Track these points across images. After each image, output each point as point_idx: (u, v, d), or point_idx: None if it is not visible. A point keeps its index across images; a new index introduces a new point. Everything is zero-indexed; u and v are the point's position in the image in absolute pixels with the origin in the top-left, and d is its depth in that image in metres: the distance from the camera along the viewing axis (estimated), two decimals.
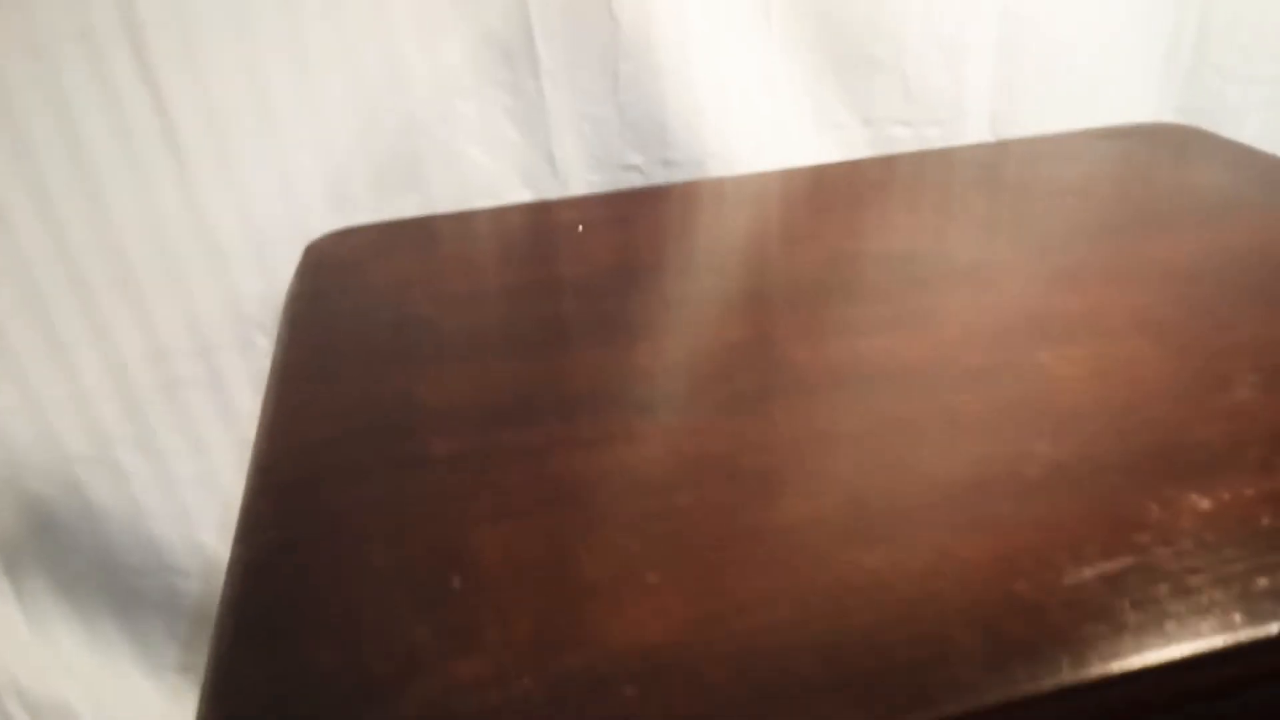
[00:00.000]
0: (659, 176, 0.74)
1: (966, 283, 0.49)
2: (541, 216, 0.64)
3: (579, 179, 0.73)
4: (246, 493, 0.39)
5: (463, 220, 0.64)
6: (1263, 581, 0.29)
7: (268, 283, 0.67)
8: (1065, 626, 0.28)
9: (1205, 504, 0.32)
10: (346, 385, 0.44)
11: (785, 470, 0.36)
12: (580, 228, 0.59)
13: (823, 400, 0.40)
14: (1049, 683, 0.27)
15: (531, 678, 0.28)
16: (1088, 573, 0.30)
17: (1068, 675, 0.27)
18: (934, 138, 0.80)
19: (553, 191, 0.73)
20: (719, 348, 0.45)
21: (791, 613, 0.29)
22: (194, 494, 0.72)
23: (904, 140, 0.80)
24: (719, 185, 0.67)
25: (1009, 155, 0.68)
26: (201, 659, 0.78)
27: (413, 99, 0.67)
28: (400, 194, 0.70)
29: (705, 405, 0.40)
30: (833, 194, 0.63)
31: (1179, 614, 0.28)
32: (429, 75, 0.67)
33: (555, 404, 0.41)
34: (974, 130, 0.81)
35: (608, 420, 0.40)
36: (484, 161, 0.71)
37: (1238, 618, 0.28)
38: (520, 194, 0.73)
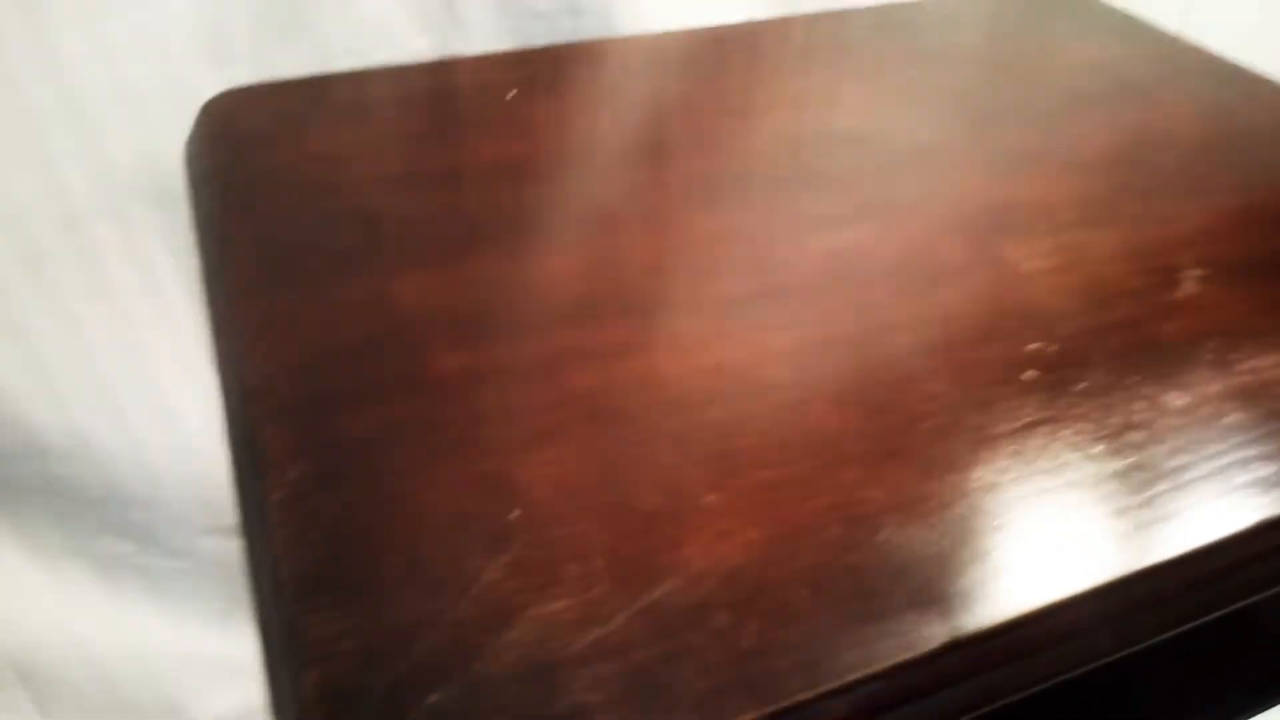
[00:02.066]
0: (565, 26, 0.70)
1: (916, 168, 0.50)
2: (456, 78, 0.60)
3: (481, 26, 0.68)
4: (235, 422, 0.36)
5: (368, 81, 0.58)
6: (1242, 474, 0.34)
7: (143, 147, 0.60)
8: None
9: (1180, 402, 0.36)
10: (314, 293, 0.41)
11: (804, 380, 0.37)
12: (512, 93, 0.56)
13: (818, 303, 0.41)
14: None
15: (626, 613, 0.29)
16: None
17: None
18: None
19: (454, 40, 0.68)
20: (698, 243, 0.44)
21: (845, 531, 0.31)
22: (65, 375, 0.66)
23: None
24: (637, 45, 0.65)
25: (900, 19, 0.69)
26: (87, 544, 0.74)
27: None
28: (286, 43, 0.63)
29: (705, 309, 0.40)
30: (751, 60, 0.62)
31: (1197, 502, 0.32)
32: None
33: (548, 310, 0.40)
34: None
35: (611, 328, 0.39)
36: (378, 6, 0.65)
37: (1234, 502, 0.32)
38: (418, 42, 0.67)
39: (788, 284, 0.42)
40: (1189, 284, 0.42)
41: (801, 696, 0.27)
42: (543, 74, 0.59)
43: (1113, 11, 0.71)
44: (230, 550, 0.79)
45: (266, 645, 0.29)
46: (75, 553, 0.71)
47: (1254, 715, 0.54)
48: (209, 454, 0.73)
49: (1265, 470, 0.34)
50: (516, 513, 0.32)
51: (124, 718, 0.82)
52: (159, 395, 0.70)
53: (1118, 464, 0.34)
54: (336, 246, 0.43)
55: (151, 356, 0.68)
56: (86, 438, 0.68)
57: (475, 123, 0.54)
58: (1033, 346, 0.39)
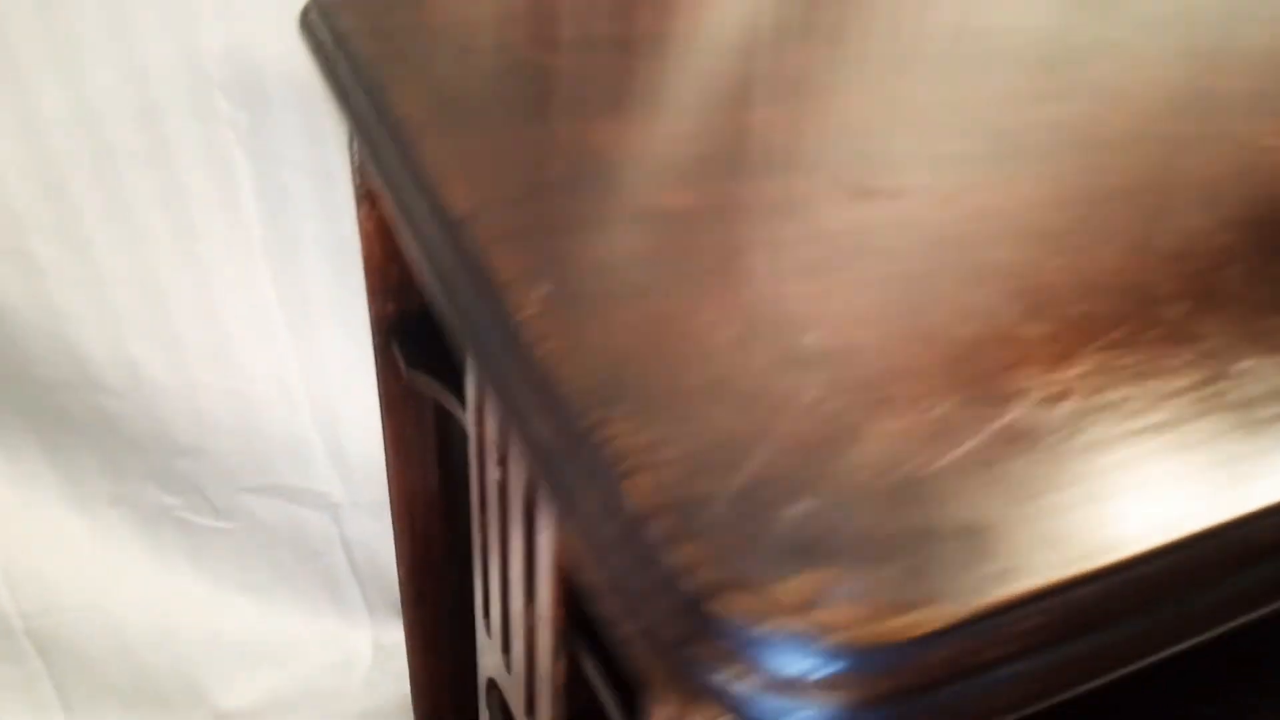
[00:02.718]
0: None
1: (1108, 57, 0.47)
2: None
3: None
4: (444, 251, 0.31)
5: None
6: None
7: (234, 35, 0.55)
8: None
9: None
10: (504, 135, 0.36)
11: (1080, 227, 0.33)
12: None
13: (1058, 164, 0.37)
14: None
15: (975, 430, 0.24)
16: None
17: None
18: None
19: None
20: (910, 108, 0.40)
21: (1196, 363, 0.27)
22: (121, 296, 0.60)
23: None
24: None
25: None
26: (136, 489, 0.67)
27: None
28: None
29: (941, 164, 0.36)
30: None
31: None
32: None
33: (767, 158, 0.36)
34: None
35: (844, 176, 0.35)
36: None
37: None
38: None
39: (1020, 147, 0.38)
40: None
41: (1213, 523, 0.23)
42: None
43: None
44: (276, 512, 0.72)
45: (549, 465, 0.24)
46: (118, 500, 0.64)
47: None
48: (263, 403, 0.67)
49: None
50: (812, 336, 0.27)
51: (145, 705, 0.75)
52: (217, 330, 0.64)
53: None
54: (513, 96, 0.39)
55: (216, 282, 0.62)
56: (138, 371, 0.62)
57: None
58: None
